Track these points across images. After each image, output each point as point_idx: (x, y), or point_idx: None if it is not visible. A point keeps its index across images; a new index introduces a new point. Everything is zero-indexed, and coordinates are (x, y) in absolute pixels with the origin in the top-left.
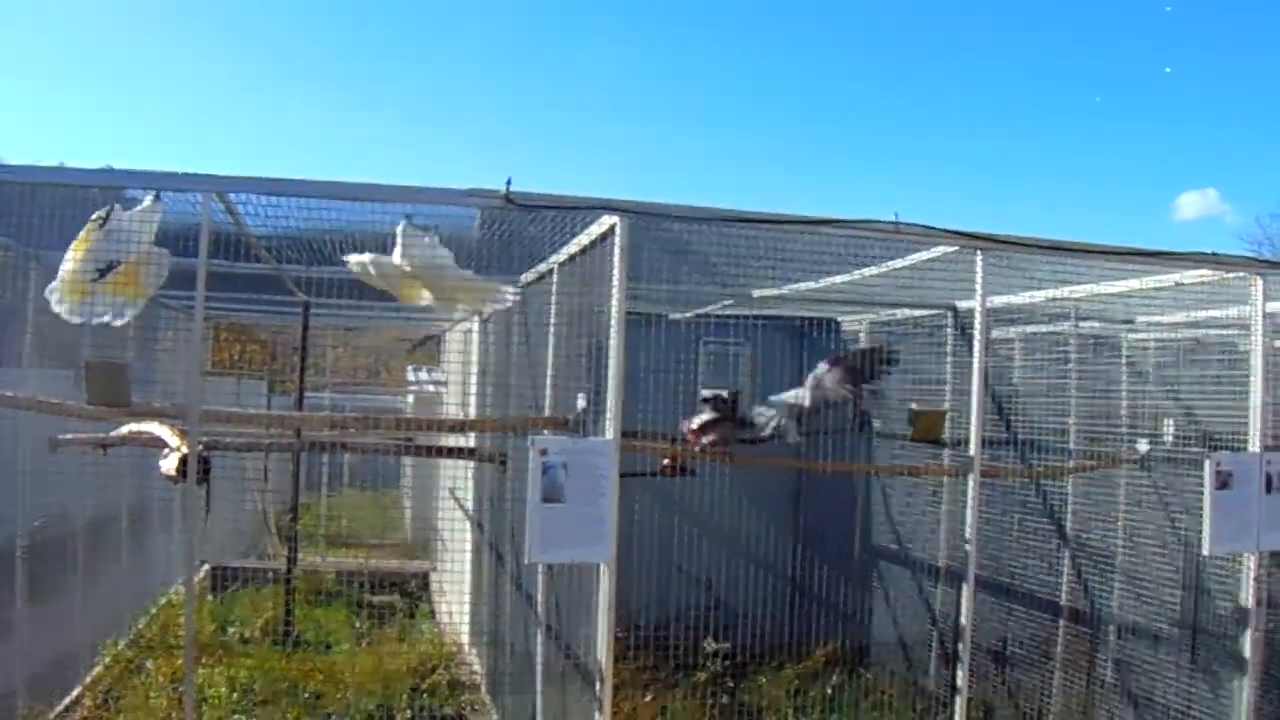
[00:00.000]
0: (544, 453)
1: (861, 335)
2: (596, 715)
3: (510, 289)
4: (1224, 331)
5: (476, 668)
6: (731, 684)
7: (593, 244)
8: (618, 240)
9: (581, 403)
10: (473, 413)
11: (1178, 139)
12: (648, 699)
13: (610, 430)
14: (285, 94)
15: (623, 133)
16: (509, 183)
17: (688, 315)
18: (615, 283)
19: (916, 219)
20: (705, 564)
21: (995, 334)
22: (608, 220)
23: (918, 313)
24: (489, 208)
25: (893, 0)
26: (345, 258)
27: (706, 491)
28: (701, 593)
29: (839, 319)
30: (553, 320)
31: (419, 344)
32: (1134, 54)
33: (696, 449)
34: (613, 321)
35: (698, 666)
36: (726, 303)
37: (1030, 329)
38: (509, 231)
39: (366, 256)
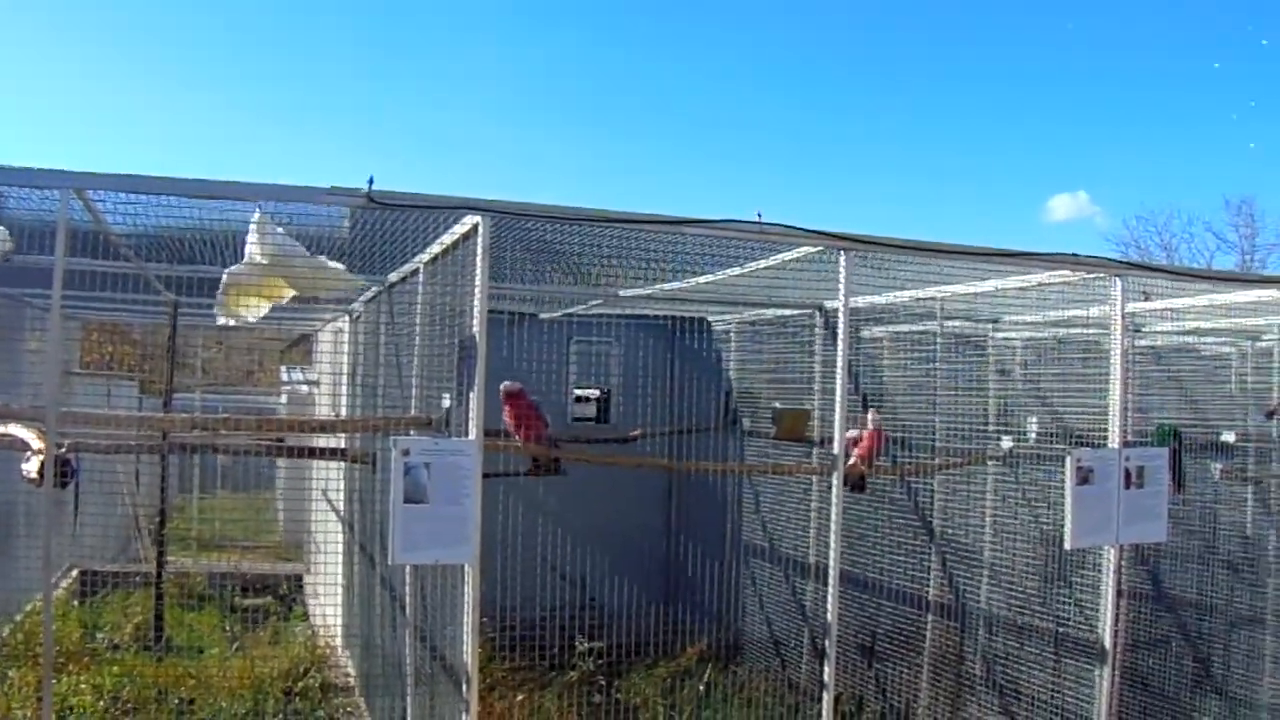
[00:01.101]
0: (406, 453)
1: (731, 335)
2: (463, 716)
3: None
4: (1086, 331)
5: (350, 670)
6: (604, 682)
7: (456, 243)
8: (480, 240)
9: (447, 402)
10: (343, 413)
11: (1050, 142)
12: (519, 698)
13: (473, 430)
14: (160, 94)
15: (509, 134)
16: (371, 181)
17: (556, 315)
18: (477, 282)
19: (781, 219)
20: (578, 563)
21: (865, 333)
22: (470, 220)
23: (786, 312)
24: (352, 206)
25: (765, 2)
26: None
27: (579, 491)
28: (575, 592)
29: (709, 318)
30: (418, 320)
31: (293, 344)
32: (1006, 54)
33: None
34: (475, 321)
35: (570, 665)
36: (595, 302)
37: (899, 328)
38: (377, 231)
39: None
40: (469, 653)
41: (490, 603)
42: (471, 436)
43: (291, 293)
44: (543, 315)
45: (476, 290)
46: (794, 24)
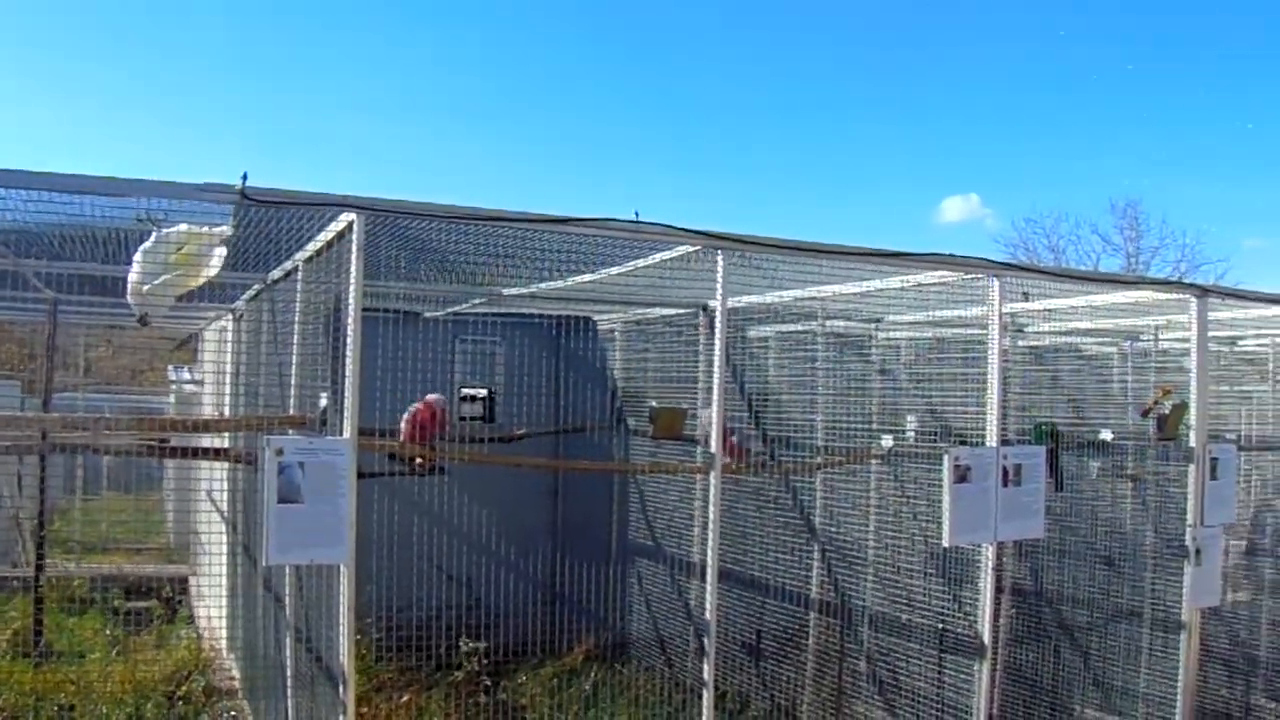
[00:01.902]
0: (280, 452)
1: (616, 334)
2: (340, 718)
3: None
4: (967, 331)
5: (234, 673)
6: (489, 683)
7: (333, 241)
8: (355, 238)
9: (324, 401)
10: (227, 412)
11: (943, 145)
12: (404, 699)
13: (347, 429)
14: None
15: (398, 133)
16: (245, 178)
17: (441, 314)
18: (352, 280)
19: (664, 220)
20: (465, 563)
21: (751, 333)
22: (346, 218)
23: (671, 312)
24: (224, 203)
25: (661, 3)
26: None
27: (466, 491)
28: (461, 592)
29: (595, 318)
30: (297, 318)
31: (182, 343)
32: (900, 56)
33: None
34: (349, 320)
35: (456, 666)
36: (478, 301)
37: (783, 328)
38: (262, 229)
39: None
40: (345, 654)
41: (377, 604)
42: (346, 435)
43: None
44: (427, 314)
45: (351, 288)
46: (688, 24)
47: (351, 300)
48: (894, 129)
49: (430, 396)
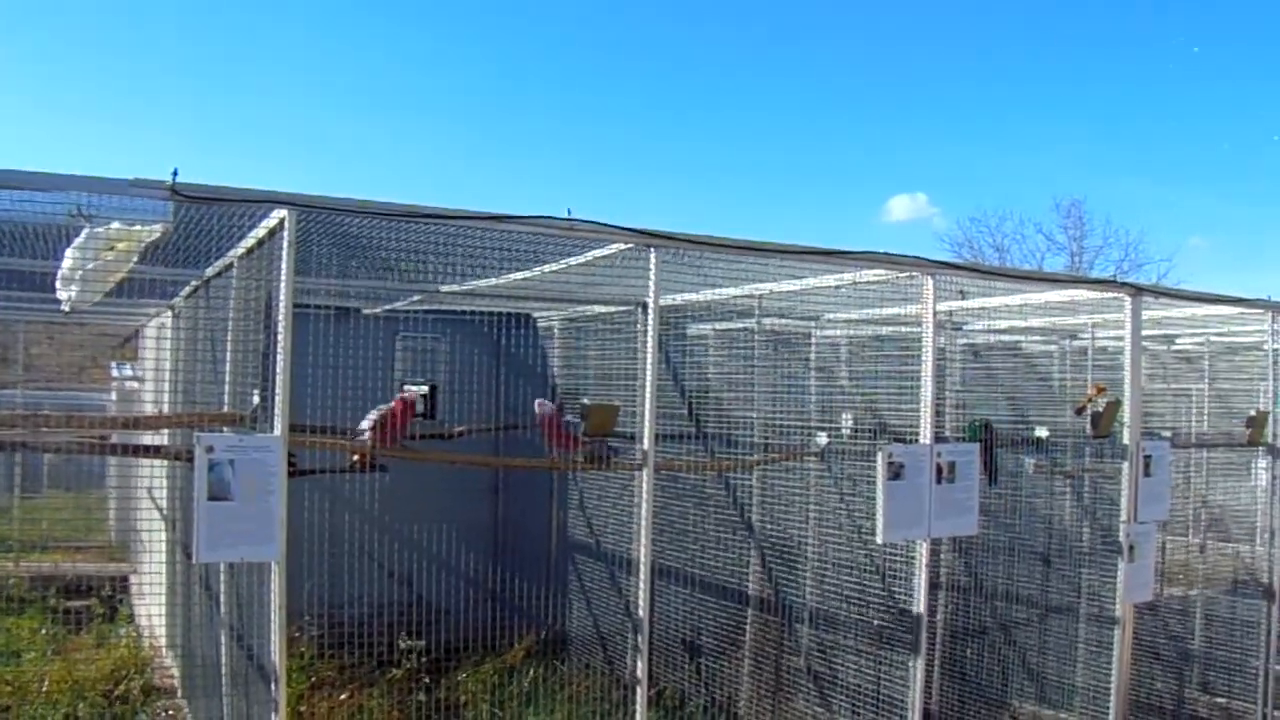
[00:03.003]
0: (210, 450)
1: (555, 331)
2: (273, 716)
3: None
4: (906, 329)
5: (174, 672)
6: (428, 680)
7: (266, 238)
8: (286, 234)
9: (256, 399)
10: (166, 409)
11: (891, 144)
12: (344, 697)
13: (278, 426)
14: None
15: (335, 129)
16: (175, 174)
17: (380, 311)
18: (283, 277)
19: (602, 218)
20: (405, 560)
21: (690, 330)
22: (279, 214)
23: (610, 309)
24: (155, 199)
25: (609, 4)
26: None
27: (407, 488)
28: (401, 589)
29: (534, 315)
30: (231, 315)
31: (126, 339)
32: (848, 55)
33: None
34: (280, 317)
35: (395, 663)
36: (416, 298)
37: (722, 326)
38: (202, 226)
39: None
40: (277, 651)
41: (316, 601)
42: (276, 432)
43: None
44: (366, 311)
45: (282, 285)
46: (635, 23)
47: (283, 297)
48: (841, 129)
49: (407, 391)
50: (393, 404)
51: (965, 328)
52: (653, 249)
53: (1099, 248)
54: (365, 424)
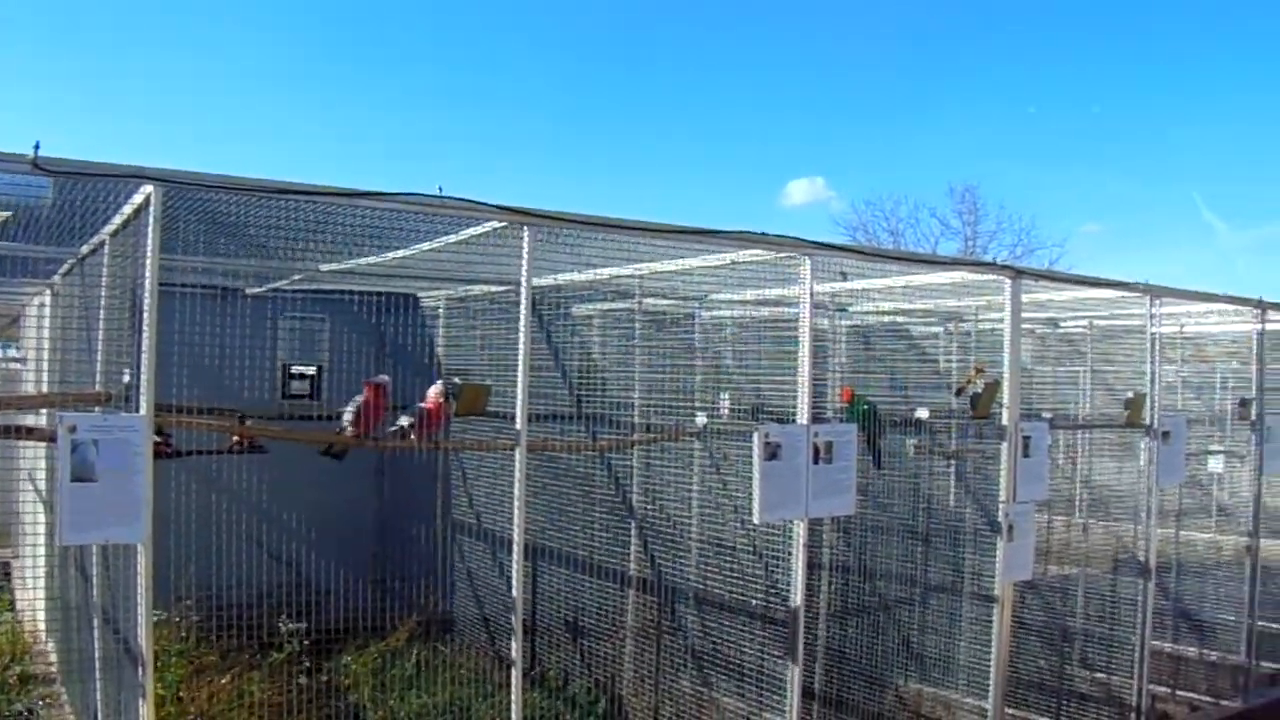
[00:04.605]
0: (73, 430)
1: (440, 310)
2: (140, 701)
3: None
4: (789, 310)
5: (53, 659)
6: (309, 664)
7: (133, 216)
8: (152, 210)
9: (126, 378)
10: (45, 389)
11: (791, 128)
12: (224, 681)
13: (144, 406)
14: None
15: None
16: (37, 147)
17: (263, 290)
18: (149, 254)
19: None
20: (289, 542)
21: (576, 311)
22: (146, 189)
23: (495, 288)
24: (15, 173)
25: None
26: None
27: (291, 469)
28: (286, 572)
29: (419, 295)
30: (103, 294)
31: (14, 319)
32: (749, 39)
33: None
34: (146, 295)
35: (279, 647)
36: (298, 277)
37: (606, 307)
38: (83, 202)
39: None
40: (143, 635)
41: (201, 585)
42: (142, 412)
43: None
44: (249, 291)
45: (148, 262)
46: (532, 9)
47: (148, 274)
48: (741, 112)
49: (378, 378)
50: (365, 393)
51: (851, 309)
52: (526, 227)
53: (993, 233)
54: (346, 417)
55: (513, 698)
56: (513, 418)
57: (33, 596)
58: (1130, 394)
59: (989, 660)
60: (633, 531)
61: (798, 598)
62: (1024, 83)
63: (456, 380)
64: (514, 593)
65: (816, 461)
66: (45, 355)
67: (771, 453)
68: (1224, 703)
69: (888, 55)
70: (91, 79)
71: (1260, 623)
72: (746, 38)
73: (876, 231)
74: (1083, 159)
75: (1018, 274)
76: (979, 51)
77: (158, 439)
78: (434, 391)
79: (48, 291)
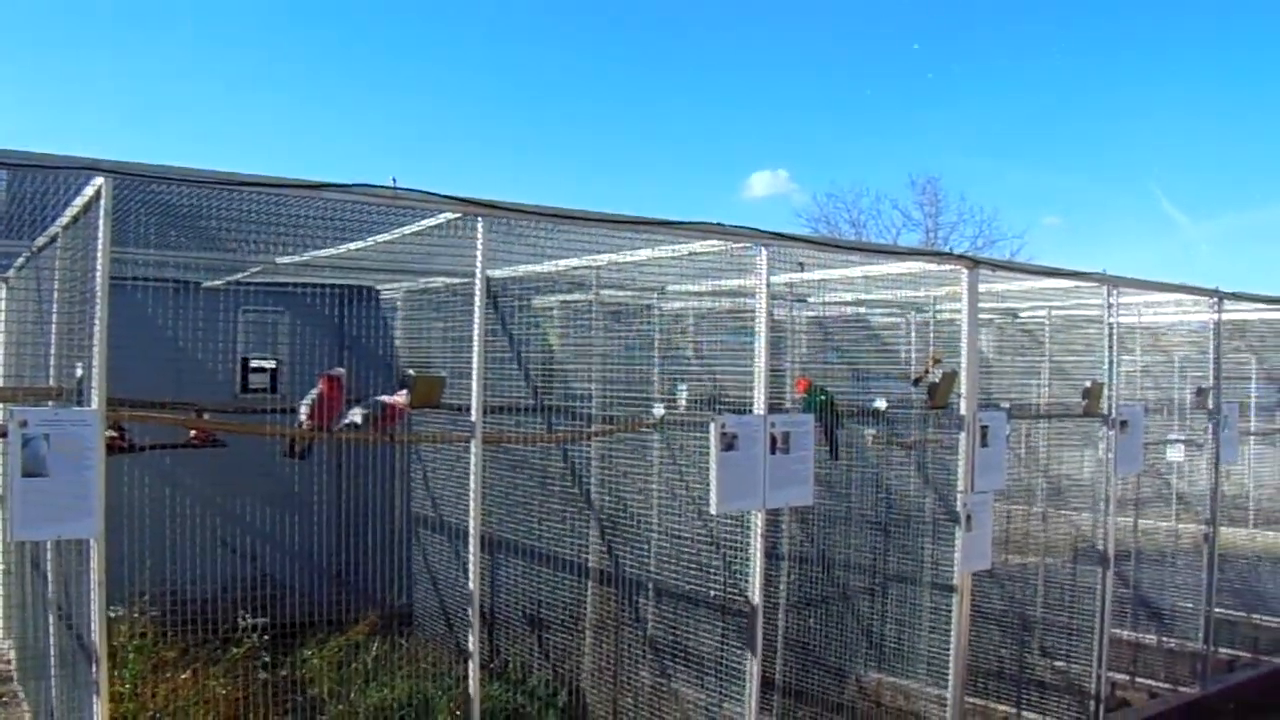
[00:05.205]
0: (24, 424)
1: (399, 303)
2: (94, 698)
3: None
4: (748, 300)
5: (10, 657)
6: (269, 658)
7: (87, 206)
8: (103, 203)
9: (79, 372)
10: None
11: (753, 120)
12: (184, 677)
13: (95, 400)
14: None
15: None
16: None
17: (221, 283)
18: (100, 246)
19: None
20: (249, 537)
21: (536, 302)
22: (97, 181)
23: (453, 280)
24: None
25: None
26: None
27: (250, 463)
28: (246, 566)
29: (378, 287)
30: (55, 286)
31: None
32: (714, 34)
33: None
34: (97, 287)
35: (238, 643)
36: (255, 270)
37: (565, 298)
38: (35, 195)
39: None
40: (97, 631)
41: (159, 581)
42: (94, 406)
43: None
44: (207, 284)
45: (99, 254)
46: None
47: (100, 266)
48: (704, 104)
49: (332, 370)
50: (319, 386)
51: (810, 300)
52: (479, 218)
53: (954, 224)
54: (302, 412)
55: (471, 690)
56: (469, 410)
57: None
58: (1089, 383)
59: (949, 649)
60: (591, 523)
61: (756, 591)
62: (985, 76)
63: (411, 372)
64: (471, 585)
65: (774, 452)
66: None
67: (728, 443)
68: (1182, 689)
69: (849, 49)
70: (58, 78)
71: (1218, 610)
72: (709, 32)
73: (838, 223)
74: (1043, 152)
75: (975, 264)
76: (941, 46)
77: (113, 433)
78: (403, 395)
79: (2, 286)
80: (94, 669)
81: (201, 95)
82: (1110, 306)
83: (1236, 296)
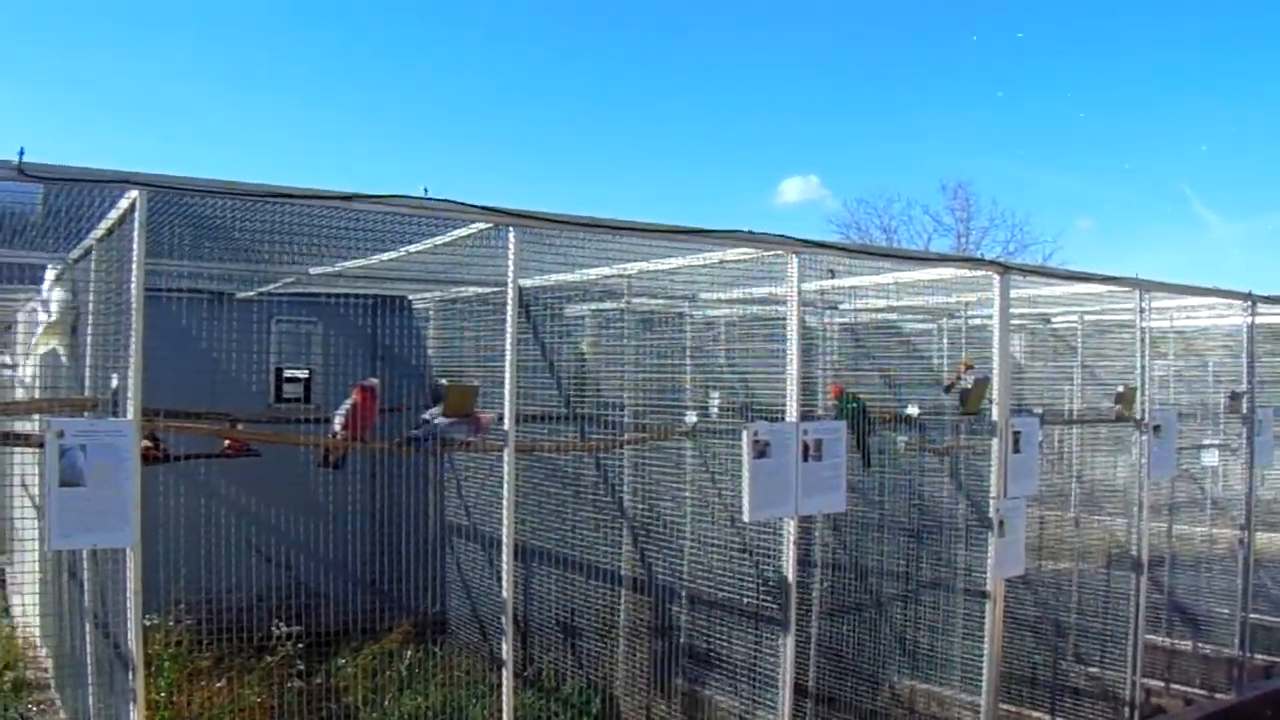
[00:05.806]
0: (61, 435)
1: (431, 313)
2: (130, 706)
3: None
4: (780, 308)
5: (47, 665)
6: (304, 667)
7: (119, 220)
8: (138, 215)
9: (115, 383)
10: (38, 395)
11: (785, 127)
12: (219, 685)
13: (130, 411)
14: None
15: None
16: (21, 153)
17: (254, 294)
18: (135, 258)
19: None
20: (284, 546)
21: (568, 311)
22: (131, 194)
23: (486, 290)
24: (2, 179)
25: None
26: None
27: (283, 473)
28: (280, 575)
29: (410, 297)
30: (91, 298)
31: (8, 326)
32: (745, 39)
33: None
34: (132, 299)
35: (273, 651)
36: (289, 280)
37: (597, 307)
38: (71, 208)
39: None
40: (133, 639)
41: (195, 589)
42: (129, 417)
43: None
44: (240, 295)
45: (134, 266)
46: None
47: (134, 279)
48: (737, 110)
49: (367, 381)
50: (354, 396)
51: (841, 306)
52: (511, 228)
53: (985, 229)
54: (337, 423)
55: (504, 698)
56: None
57: (27, 603)
58: (1121, 388)
59: (982, 656)
60: (624, 531)
61: (790, 595)
62: (1016, 78)
63: (443, 382)
64: (504, 593)
65: (806, 459)
66: (36, 362)
67: (760, 451)
68: (1218, 696)
69: (881, 54)
70: (74, 81)
71: (1254, 615)
72: (740, 37)
73: (870, 229)
74: (1075, 155)
75: (1005, 269)
76: (972, 49)
77: (149, 443)
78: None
79: (38, 298)
80: (130, 677)
81: (202, 95)
82: (1142, 311)
83: (1270, 300)
